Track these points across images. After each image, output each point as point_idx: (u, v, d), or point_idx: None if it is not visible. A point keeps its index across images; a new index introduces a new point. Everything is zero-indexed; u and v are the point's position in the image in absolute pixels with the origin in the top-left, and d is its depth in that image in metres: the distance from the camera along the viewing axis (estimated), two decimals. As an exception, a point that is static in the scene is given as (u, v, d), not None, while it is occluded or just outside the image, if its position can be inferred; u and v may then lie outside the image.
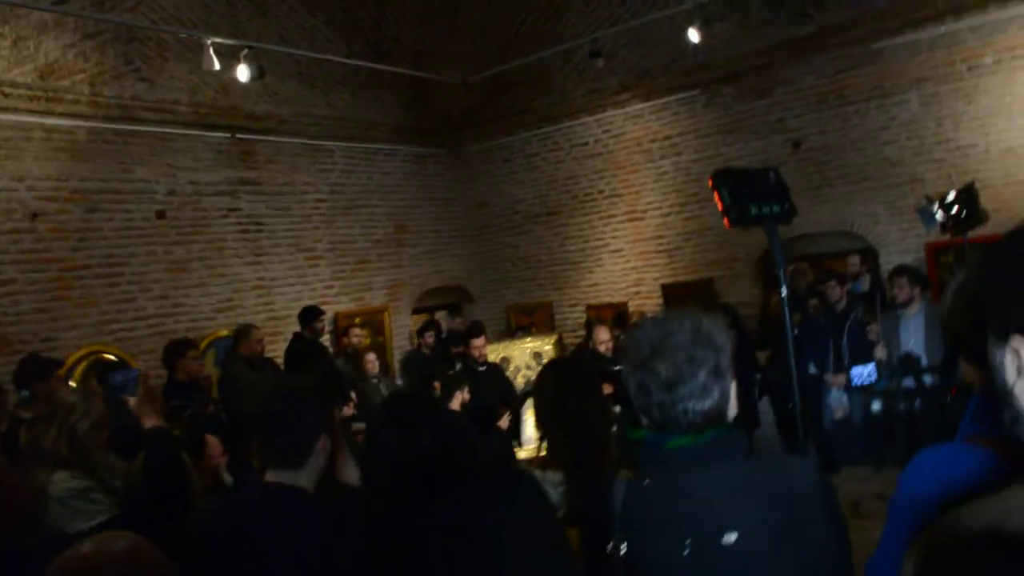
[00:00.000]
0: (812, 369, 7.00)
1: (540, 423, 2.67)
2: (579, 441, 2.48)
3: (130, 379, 2.76)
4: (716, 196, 2.96)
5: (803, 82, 8.97)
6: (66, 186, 7.40)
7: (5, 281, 6.93)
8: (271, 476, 2.29)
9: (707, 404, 1.64)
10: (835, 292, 7.16)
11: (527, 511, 1.93)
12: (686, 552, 1.59)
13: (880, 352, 5.98)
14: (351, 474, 2.51)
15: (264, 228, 9.15)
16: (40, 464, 2.95)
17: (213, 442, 3.76)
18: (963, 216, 4.43)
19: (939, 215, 4.48)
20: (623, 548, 1.66)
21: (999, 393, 1.07)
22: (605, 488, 1.79)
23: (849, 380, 5.77)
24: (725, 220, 3.03)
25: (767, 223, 3.03)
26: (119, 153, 7.83)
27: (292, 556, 2.09)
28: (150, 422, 2.68)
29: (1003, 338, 1.03)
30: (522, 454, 7.13)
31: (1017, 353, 0.99)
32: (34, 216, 7.13)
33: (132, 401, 2.72)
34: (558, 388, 2.65)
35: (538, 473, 2.54)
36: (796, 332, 3.93)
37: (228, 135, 8.80)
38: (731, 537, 1.57)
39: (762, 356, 7.68)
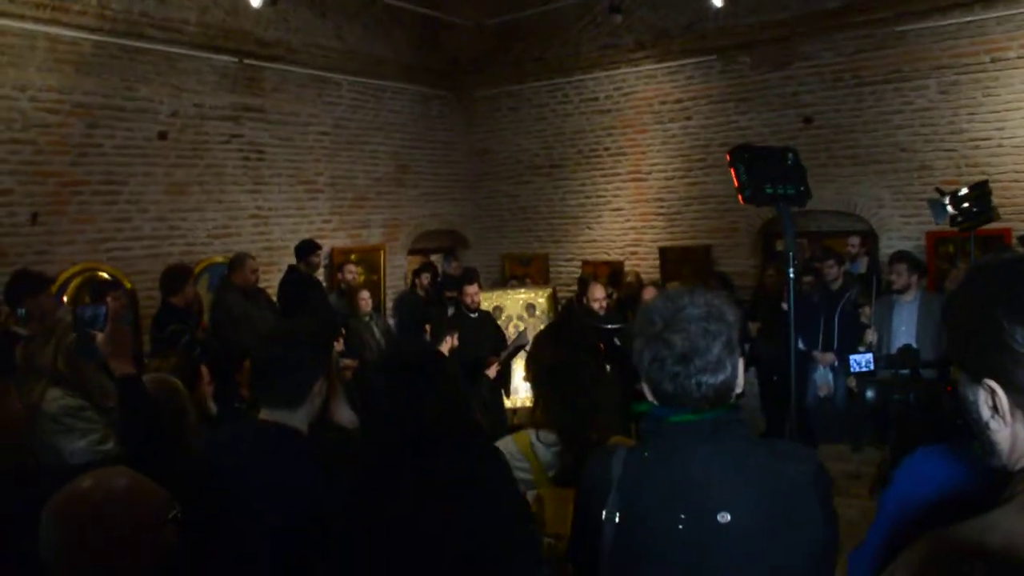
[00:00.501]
0: (801, 345, 7.04)
1: (536, 383, 2.68)
2: (571, 396, 2.50)
3: (100, 314, 2.69)
4: (732, 172, 2.94)
5: (821, 58, 8.85)
6: (68, 99, 7.27)
7: (2, 191, 6.86)
8: (266, 415, 2.29)
9: (720, 378, 1.65)
10: (832, 271, 7.16)
11: (502, 485, 1.98)
12: (680, 527, 1.61)
13: (871, 336, 6.01)
14: (345, 415, 2.53)
15: (265, 157, 9.05)
16: (35, 379, 2.96)
17: (203, 372, 3.78)
18: (974, 212, 4.42)
19: (950, 208, 4.46)
20: (617, 516, 1.68)
21: (973, 426, 1.10)
22: (602, 454, 1.81)
23: (845, 362, 5.79)
24: (740, 197, 3.03)
25: (781, 204, 3.02)
26: (124, 69, 7.68)
27: (282, 497, 2.10)
28: (121, 368, 2.62)
29: (976, 379, 1.05)
30: (509, 404, 7.23)
31: (992, 392, 1.02)
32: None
33: (99, 337, 2.67)
34: (555, 346, 2.66)
35: (531, 432, 2.56)
36: (786, 306, 3.95)
37: (235, 59, 8.64)
38: (726, 516, 1.59)
39: (753, 328, 7.72)
